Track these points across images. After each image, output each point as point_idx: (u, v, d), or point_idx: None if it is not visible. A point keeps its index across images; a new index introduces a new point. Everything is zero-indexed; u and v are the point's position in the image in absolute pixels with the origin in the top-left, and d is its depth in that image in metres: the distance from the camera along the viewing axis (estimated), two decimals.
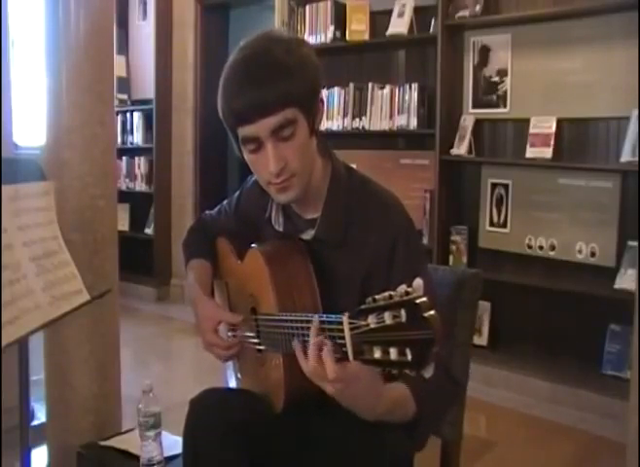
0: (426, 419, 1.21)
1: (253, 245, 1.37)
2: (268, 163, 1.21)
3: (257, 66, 1.18)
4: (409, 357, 0.84)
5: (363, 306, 0.90)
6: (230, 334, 1.38)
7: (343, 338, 0.93)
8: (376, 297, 0.88)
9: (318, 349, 1.01)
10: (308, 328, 1.07)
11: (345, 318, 0.92)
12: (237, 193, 1.57)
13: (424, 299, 0.84)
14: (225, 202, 1.61)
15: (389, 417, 1.14)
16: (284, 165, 1.22)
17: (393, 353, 0.85)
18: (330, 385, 1.03)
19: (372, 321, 0.87)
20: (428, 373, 0.86)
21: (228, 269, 1.53)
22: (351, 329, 0.91)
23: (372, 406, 1.10)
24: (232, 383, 1.57)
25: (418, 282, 0.86)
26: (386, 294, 0.87)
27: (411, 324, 0.83)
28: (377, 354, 0.87)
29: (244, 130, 1.21)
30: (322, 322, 1.03)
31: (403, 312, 0.84)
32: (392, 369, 0.87)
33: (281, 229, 1.38)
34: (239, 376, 1.54)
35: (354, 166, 1.41)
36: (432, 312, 0.83)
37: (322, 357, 1.00)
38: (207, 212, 1.65)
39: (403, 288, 0.86)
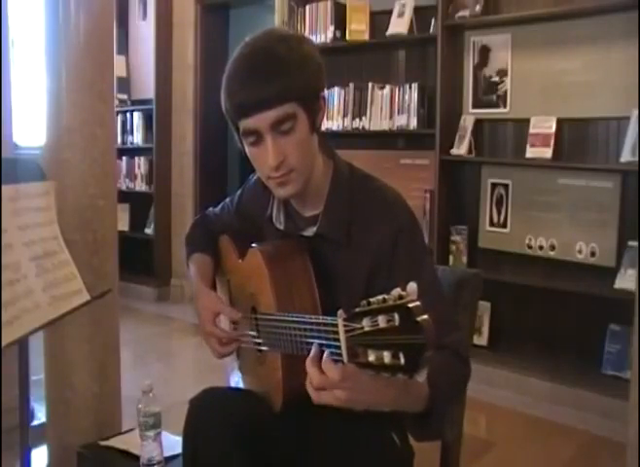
0: (440, 399, 1.15)
1: (254, 245, 1.37)
2: (268, 157, 1.22)
3: (258, 62, 1.20)
4: (402, 361, 0.84)
5: (357, 309, 0.90)
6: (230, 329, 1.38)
7: (338, 340, 0.93)
8: (371, 300, 0.89)
9: (318, 361, 1.00)
10: (304, 329, 1.07)
11: (340, 321, 0.92)
12: (239, 191, 1.58)
13: (417, 303, 0.85)
14: (227, 200, 1.62)
15: (405, 400, 1.10)
16: (283, 159, 1.23)
17: (387, 357, 0.85)
18: (339, 390, 1.00)
19: (366, 324, 0.88)
20: (421, 377, 0.86)
21: (230, 267, 1.54)
22: (346, 331, 0.91)
23: (384, 394, 1.04)
24: (233, 382, 1.57)
25: (412, 286, 0.87)
26: (380, 297, 0.88)
27: (404, 328, 0.84)
28: (372, 357, 0.87)
29: (245, 123, 1.22)
30: (317, 323, 1.03)
31: (396, 316, 0.84)
32: (386, 372, 0.87)
33: (282, 227, 1.39)
34: (240, 374, 1.54)
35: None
36: (425, 317, 0.84)
37: (322, 366, 0.99)
38: (210, 209, 1.67)
39: (397, 291, 0.87)
